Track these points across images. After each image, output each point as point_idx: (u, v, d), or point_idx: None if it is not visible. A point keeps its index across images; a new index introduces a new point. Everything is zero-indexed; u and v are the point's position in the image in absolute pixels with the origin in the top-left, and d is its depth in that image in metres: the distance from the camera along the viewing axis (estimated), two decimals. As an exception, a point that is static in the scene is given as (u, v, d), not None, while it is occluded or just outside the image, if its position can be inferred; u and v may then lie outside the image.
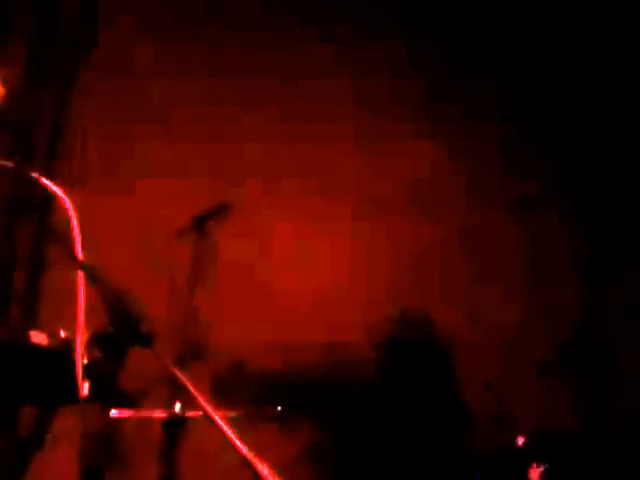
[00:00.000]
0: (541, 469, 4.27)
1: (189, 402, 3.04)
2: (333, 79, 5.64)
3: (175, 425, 3.81)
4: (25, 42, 5.25)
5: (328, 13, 5.70)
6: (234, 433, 2.67)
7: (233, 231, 4.99)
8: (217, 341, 4.96)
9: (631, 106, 5.57)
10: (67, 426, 3.39)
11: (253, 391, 4.73)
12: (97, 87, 5.40)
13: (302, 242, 5.54)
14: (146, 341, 2.56)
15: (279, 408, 4.71)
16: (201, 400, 2.66)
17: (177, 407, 3.78)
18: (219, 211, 4.58)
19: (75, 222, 2.59)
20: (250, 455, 2.59)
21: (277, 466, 2.50)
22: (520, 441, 4.44)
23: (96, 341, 2.65)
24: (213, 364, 4.82)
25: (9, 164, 2.72)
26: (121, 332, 2.56)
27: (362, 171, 5.68)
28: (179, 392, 2.53)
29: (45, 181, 2.63)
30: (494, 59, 5.63)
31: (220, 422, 2.67)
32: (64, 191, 2.63)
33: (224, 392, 4.54)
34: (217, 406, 3.12)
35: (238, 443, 2.61)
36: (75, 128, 5.34)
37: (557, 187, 5.66)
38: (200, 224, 4.57)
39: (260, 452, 2.52)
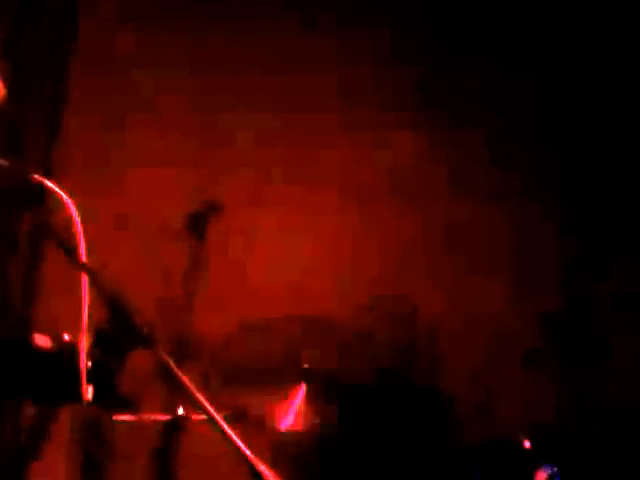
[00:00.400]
0: (548, 473, 4.27)
1: (188, 404, 3.01)
2: (317, 68, 5.60)
3: (177, 428, 3.79)
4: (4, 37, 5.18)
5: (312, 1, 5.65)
6: (236, 434, 2.65)
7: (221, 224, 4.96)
8: (206, 336, 4.94)
9: (619, 97, 5.57)
10: (67, 429, 3.37)
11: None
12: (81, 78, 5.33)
13: (286, 232, 5.51)
14: (147, 342, 2.54)
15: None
16: (204, 402, 2.64)
17: (180, 410, 3.75)
18: (210, 211, 4.55)
19: (79, 225, 2.55)
20: (252, 456, 2.58)
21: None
22: (526, 444, 4.43)
23: (97, 342, 2.62)
24: (203, 362, 4.79)
25: (5, 163, 2.67)
26: (122, 333, 2.55)
27: (346, 160, 5.65)
28: (179, 394, 2.50)
29: (48, 183, 2.59)
30: (480, 48, 5.62)
31: (223, 423, 2.65)
32: (67, 193, 2.59)
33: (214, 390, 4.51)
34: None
35: (240, 444, 2.60)
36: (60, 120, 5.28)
37: (542, 178, 5.66)
38: (195, 225, 4.53)
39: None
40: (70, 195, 2.63)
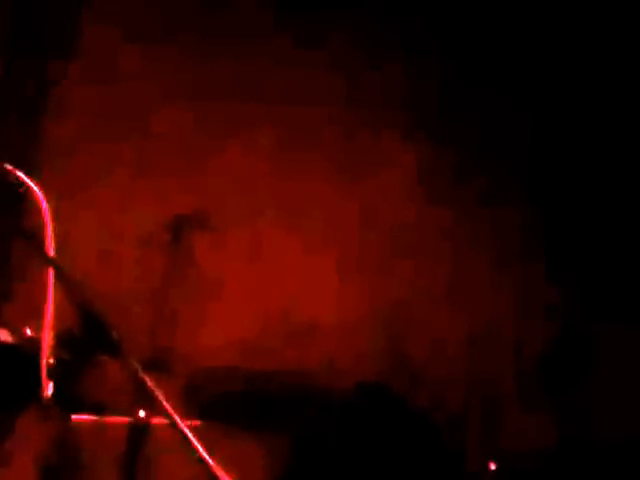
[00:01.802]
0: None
1: (155, 409, 2.98)
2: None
3: (138, 432, 3.75)
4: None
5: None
6: (200, 443, 2.63)
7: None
8: (188, 346, 4.92)
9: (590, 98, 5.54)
10: (26, 429, 3.32)
11: (225, 399, 4.67)
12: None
13: (272, 245, 5.48)
14: (115, 349, 2.51)
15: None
16: (168, 407, 2.61)
17: (141, 413, 3.71)
18: (192, 219, 4.55)
19: (48, 219, 2.51)
20: (215, 467, 2.55)
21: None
22: (492, 467, 4.41)
23: (64, 342, 2.58)
24: (182, 371, 4.77)
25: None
26: (90, 336, 2.51)
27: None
28: (144, 399, 2.46)
29: (20, 174, 2.55)
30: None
31: (187, 431, 2.62)
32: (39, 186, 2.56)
33: (194, 400, 4.48)
34: (186, 414, 3.04)
35: (203, 453, 2.57)
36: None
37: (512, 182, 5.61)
38: (176, 233, 4.52)
39: (228, 464, 2.48)
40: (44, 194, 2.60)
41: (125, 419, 3.85)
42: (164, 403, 2.56)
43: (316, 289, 5.45)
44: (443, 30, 5.50)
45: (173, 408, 2.62)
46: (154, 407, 2.65)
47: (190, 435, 2.56)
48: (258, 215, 5.43)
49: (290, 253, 5.41)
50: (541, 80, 5.55)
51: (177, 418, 2.57)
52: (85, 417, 3.84)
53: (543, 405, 5.38)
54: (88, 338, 2.48)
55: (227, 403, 4.60)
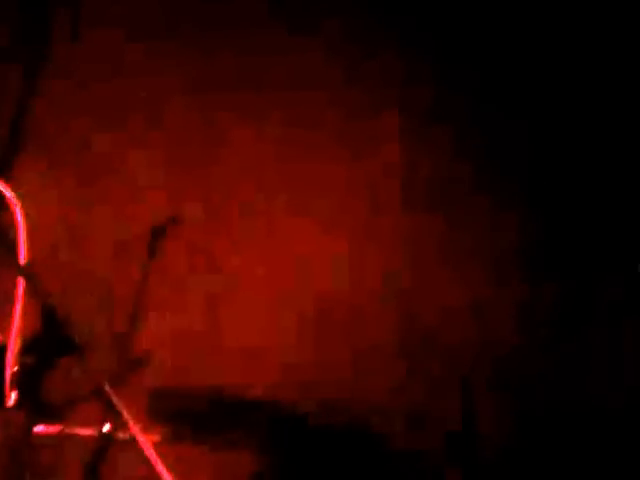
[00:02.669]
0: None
1: (118, 421, 2.96)
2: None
3: (102, 443, 3.74)
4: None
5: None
6: (160, 458, 2.62)
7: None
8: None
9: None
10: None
11: (195, 408, 4.65)
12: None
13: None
14: (76, 352, 2.51)
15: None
16: (130, 420, 2.61)
17: (106, 427, 3.70)
18: (168, 225, 4.54)
19: (22, 224, 2.51)
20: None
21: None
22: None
23: (28, 348, 2.58)
24: (152, 380, 4.76)
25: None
26: (53, 340, 2.51)
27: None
28: (110, 410, 2.46)
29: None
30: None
31: (147, 446, 2.62)
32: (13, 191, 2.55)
33: (162, 409, 4.46)
34: (151, 426, 3.01)
35: (162, 467, 2.57)
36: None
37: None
38: (153, 239, 4.52)
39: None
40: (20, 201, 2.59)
41: (89, 430, 3.83)
42: (126, 415, 2.56)
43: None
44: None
45: (137, 420, 2.61)
46: (118, 419, 2.64)
47: (151, 448, 2.56)
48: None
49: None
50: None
51: (139, 431, 2.57)
52: (49, 427, 3.83)
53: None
54: (51, 341, 2.47)
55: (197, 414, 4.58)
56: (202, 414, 4.53)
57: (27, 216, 2.58)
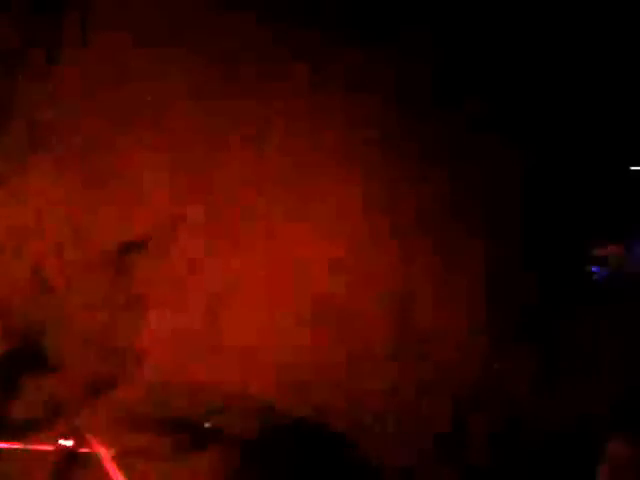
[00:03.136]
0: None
1: (81, 437, 3.08)
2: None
3: (65, 460, 3.81)
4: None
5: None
6: (121, 473, 2.70)
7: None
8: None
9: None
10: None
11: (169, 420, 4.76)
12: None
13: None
14: (43, 367, 2.58)
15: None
16: (91, 437, 2.70)
17: (69, 442, 3.78)
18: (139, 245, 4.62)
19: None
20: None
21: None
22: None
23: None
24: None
25: None
26: (16, 358, 2.59)
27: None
28: (74, 426, 2.57)
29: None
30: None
31: (107, 460, 2.71)
32: None
33: (137, 420, 4.56)
34: (114, 439, 3.11)
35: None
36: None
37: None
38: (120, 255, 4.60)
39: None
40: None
41: (52, 446, 3.91)
42: (88, 432, 2.67)
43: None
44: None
45: (100, 434, 2.71)
46: (80, 435, 2.74)
47: (111, 464, 2.65)
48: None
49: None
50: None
51: (102, 446, 2.68)
52: (11, 444, 3.89)
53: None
54: (17, 356, 2.57)
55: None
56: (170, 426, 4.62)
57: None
